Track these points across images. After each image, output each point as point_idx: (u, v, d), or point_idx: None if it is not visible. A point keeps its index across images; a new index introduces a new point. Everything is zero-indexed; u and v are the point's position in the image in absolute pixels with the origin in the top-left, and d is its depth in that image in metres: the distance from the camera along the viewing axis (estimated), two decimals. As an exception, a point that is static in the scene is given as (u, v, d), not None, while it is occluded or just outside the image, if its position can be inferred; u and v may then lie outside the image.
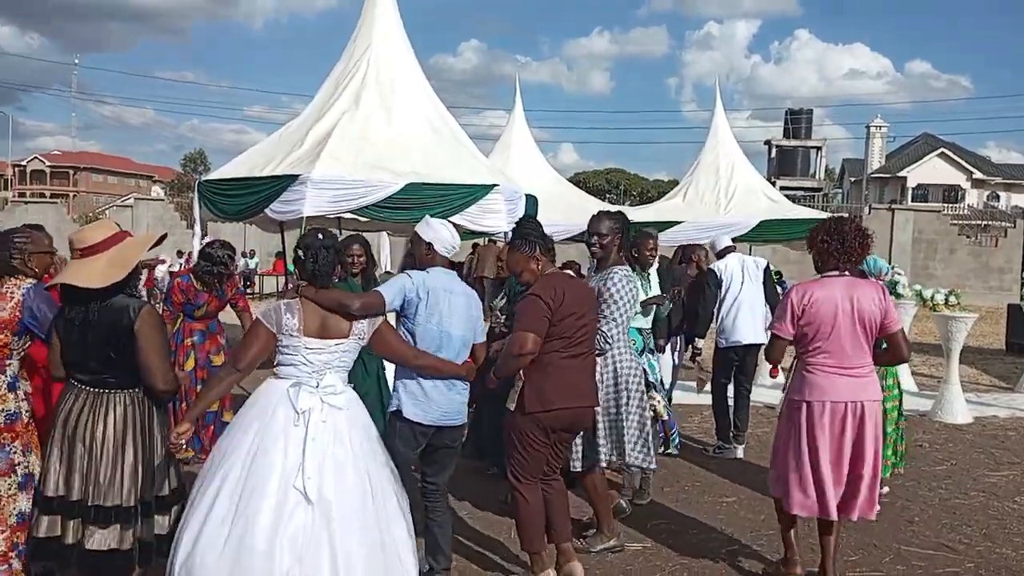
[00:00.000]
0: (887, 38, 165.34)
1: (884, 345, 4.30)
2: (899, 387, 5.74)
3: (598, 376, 4.44)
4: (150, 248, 3.59)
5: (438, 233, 3.98)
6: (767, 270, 6.98)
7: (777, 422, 4.38)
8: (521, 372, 3.98)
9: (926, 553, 4.78)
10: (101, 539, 3.30)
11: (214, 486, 3.21)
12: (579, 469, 4.57)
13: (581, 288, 4.20)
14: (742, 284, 6.80)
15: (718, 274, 6.86)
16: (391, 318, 3.90)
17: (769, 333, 4.35)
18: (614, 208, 5.17)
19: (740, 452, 6.79)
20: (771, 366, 4.88)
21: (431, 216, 4.19)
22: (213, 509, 3.17)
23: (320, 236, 3.57)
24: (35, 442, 3.66)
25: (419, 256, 3.98)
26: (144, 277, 6.53)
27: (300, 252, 3.55)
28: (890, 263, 22.77)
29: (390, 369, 4.39)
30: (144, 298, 3.64)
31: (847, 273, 4.12)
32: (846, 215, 4.44)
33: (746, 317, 6.77)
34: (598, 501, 4.64)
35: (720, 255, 7.08)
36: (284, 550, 3.11)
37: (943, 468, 6.64)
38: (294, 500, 3.18)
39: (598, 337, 4.34)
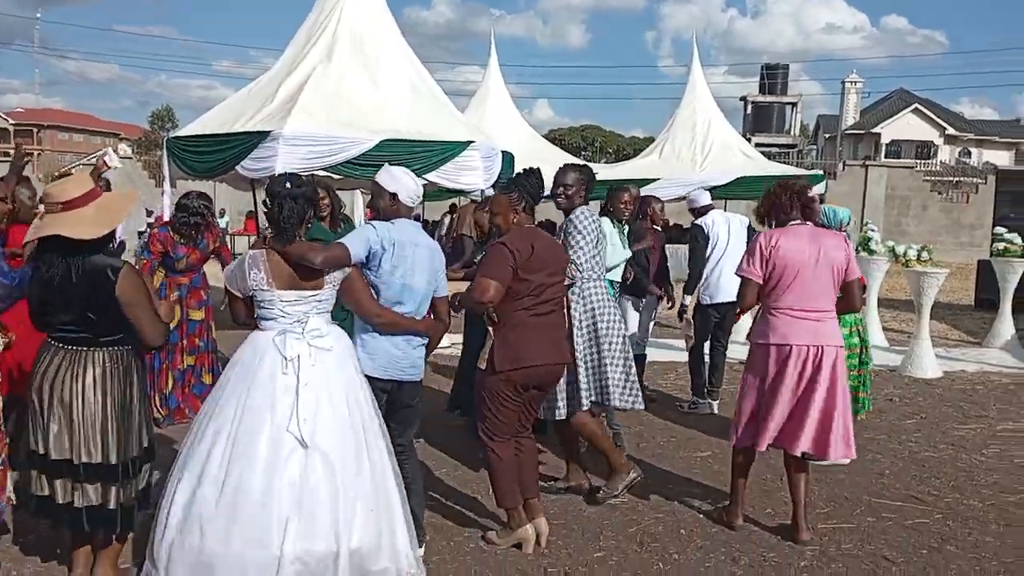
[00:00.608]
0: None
1: (839, 295, 4.36)
2: (860, 336, 5.76)
3: (576, 319, 4.54)
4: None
5: (401, 182, 3.83)
6: (750, 228, 6.98)
7: (745, 369, 4.46)
8: (491, 331, 4.02)
9: (896, 505, 4.88)
10: (88, 495, 3.28)
11: (207, 441, 3.23)
12: (563, 416, 4.61)
13: (553, 246, 4.21)
14: (728, 242, 6.79)
15: (705, 230, 6.83)
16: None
17: (739, 278, 4.39)
18: (578, 162, 5.16)
19: (715, 407, 6.86)
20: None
21: None
22: (208, 464, 3.19)
23: (288, 184, 3.42)
24: None
25: (383, 208, 3.85)
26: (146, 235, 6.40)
27: (266, 200, 3.47)
28: (863, 219, 22.99)
29: None
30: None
31: (809, 223, 4.26)
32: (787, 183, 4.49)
33: (730, 275, 6.76)
34: (600, 442, 4.72)
35: (701, 212, 7.05)
36: (282, 496, 3.14)
37: (912, 422, 6.76)
38: (289, 446, 3.20)
39: (569, 267, 4.37)
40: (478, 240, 6.84)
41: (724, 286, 6.69)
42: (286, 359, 3.27)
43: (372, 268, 3.71)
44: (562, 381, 4.51)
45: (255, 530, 3.12)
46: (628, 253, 5.81)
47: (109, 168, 5.12)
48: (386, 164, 4.04)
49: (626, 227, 5.85)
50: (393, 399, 3.86)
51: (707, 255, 6.79)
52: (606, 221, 5.52)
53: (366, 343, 3.74)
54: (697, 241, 6.83)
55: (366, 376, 3.66)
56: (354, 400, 3.40)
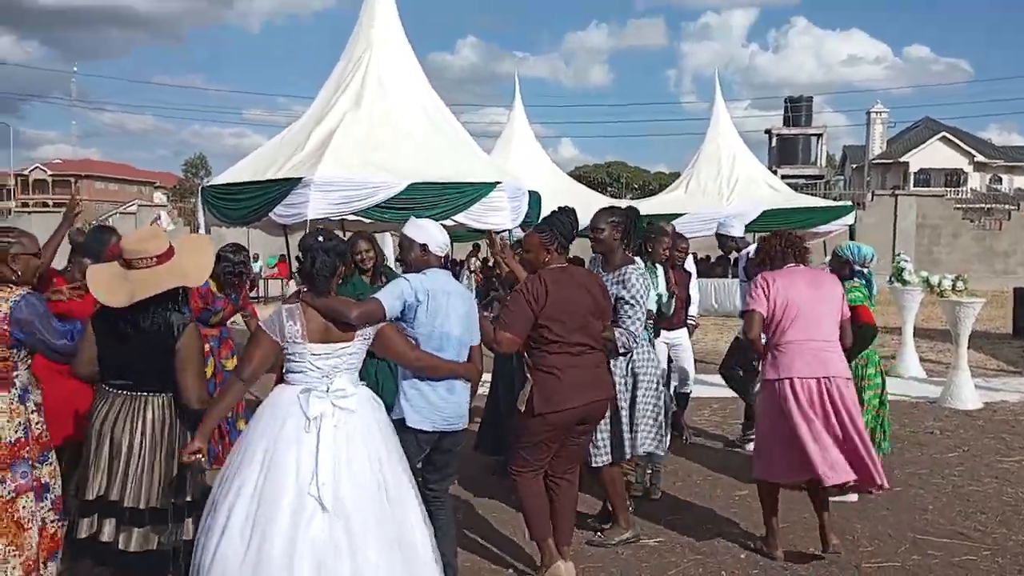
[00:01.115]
0: (884, 23, 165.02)
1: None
2: (881, 375, 5.63)
3: (617, 370, 4.51)
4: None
5: (430, 233, 3.90)
6: None
7: (757, 405, 4.60)
8: (527, 373, 4.04)
9: (941, 541, 4.76)
10: (136, 540, 3.31)
11: (229, 499, 3.19)
12: (601, 464, 4.55)
13: (586, 289, 4.12)
14: None
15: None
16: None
17: (745, 313, 4.56)
18: (623, 203, 5.17)
19: None
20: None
21: (432, 216, 4.17)
22: (230, 522, 3.14)
23: (320, 238, 3.46)
24: (51, 452, 3.66)
25: (413, 260, 3.89)
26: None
27: (299, 254, 3.52)
28: (894, 249, 22.76)
29: None
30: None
31: (802, 265, 4.55)
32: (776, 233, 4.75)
33: None
34: (614, 495, 4.67)
35: (740, 246, 6.96)
36: (303, 559, 3.09)
37: (955, 455, 6.62)
38: (311, 508, 3.15)
39: (624, 337, 4.35)
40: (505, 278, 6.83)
41: None
42: (309, 419, 3.25)
43: (408, 320, 3.73)
44: (605, 426, 4.48)
45: None
46: (665, 296, 5.72)
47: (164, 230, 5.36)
48: (412, 217, 4.10)
49: (656, 268, 5.80)
50: (435, 447, 3.87)
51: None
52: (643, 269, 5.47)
53: (409, 396, 3.76)
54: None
55: (411, 428, 3.67)
56: (376, 460, 3.33)
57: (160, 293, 3.30)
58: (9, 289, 3.48)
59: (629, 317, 4.40)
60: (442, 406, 3.79)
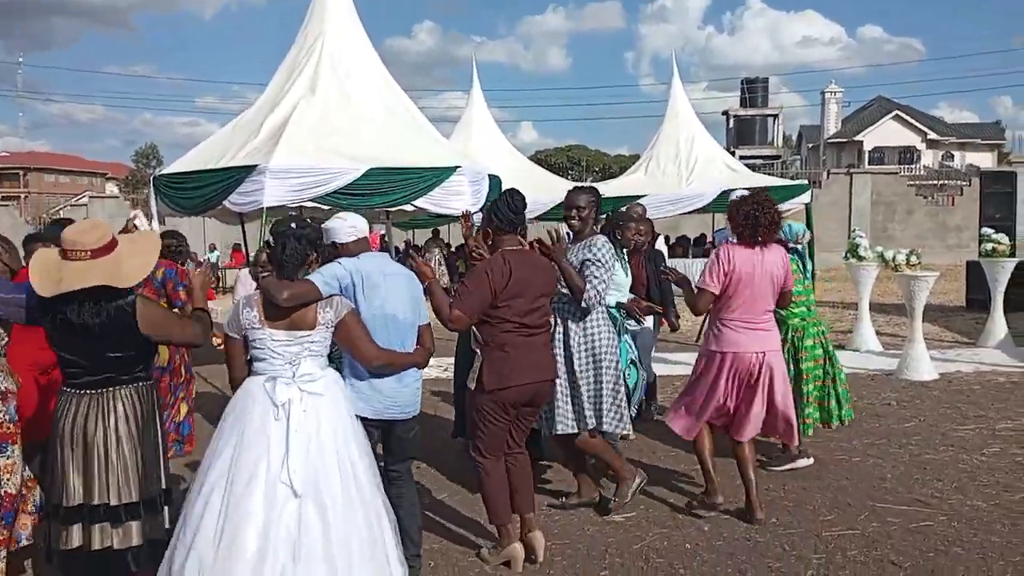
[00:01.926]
0: (838, 4, 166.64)
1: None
2: (823, 348, 5.73)
3: (576, 344, 4.60)
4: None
5: (330, 228, 3.83)
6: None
7: (694, 368, 4.87)
8: (479, 351, 4.06)
9: (899, 509, 4.87)
10: (132, 535, 3.25)
11: (202, 500, 3.17)
12: (573, 430, 4.63)
13: (540, 269, 4.21)
14: None
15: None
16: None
17: (696, 287, 4.74)
18: (586, 185, 5.23)
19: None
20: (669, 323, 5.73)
21: (392, 202, 4.09)
22: (205, 515, 3.13)
23: (293, 225, 3.47)
24: (11, 447, 3.61)
25: (343, 252, 3.83)
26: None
27: (270, 239, 3.48)
28: (850, 226, 23.13)
29: None
30: None
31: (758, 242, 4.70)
32: (754, 192, 4.89)
33: None
34: (602, 452, 4.77)
35: None
36: (278, 547, 3.08)
37: (911, 425, 6.76)
38: (283, 496, 3.14)
39: (590, 294, 4.45)
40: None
41: None
42: (277, 406, 3.22)
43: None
44: (566, 398, 4.59)
45: None
46: (629, 280, 5.76)
47: (138, 230, 5.30)
48: (336, 215, 4.02)
49: (624, 254, 5.84)
50: (386, 434, 3.85)
51: None
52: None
53: (356, 386, 3.70)
54: None
55: (358, 416, 3.61)
56: (343, 442, 3.33)
57: (105, 287, 3.15)
58: None
59: (595, 276, 4.50)
60: (388, 392, 3.74)
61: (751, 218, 4.64)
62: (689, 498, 5.00)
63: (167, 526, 3.36)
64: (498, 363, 4.02)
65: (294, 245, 3.41)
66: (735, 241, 4.72)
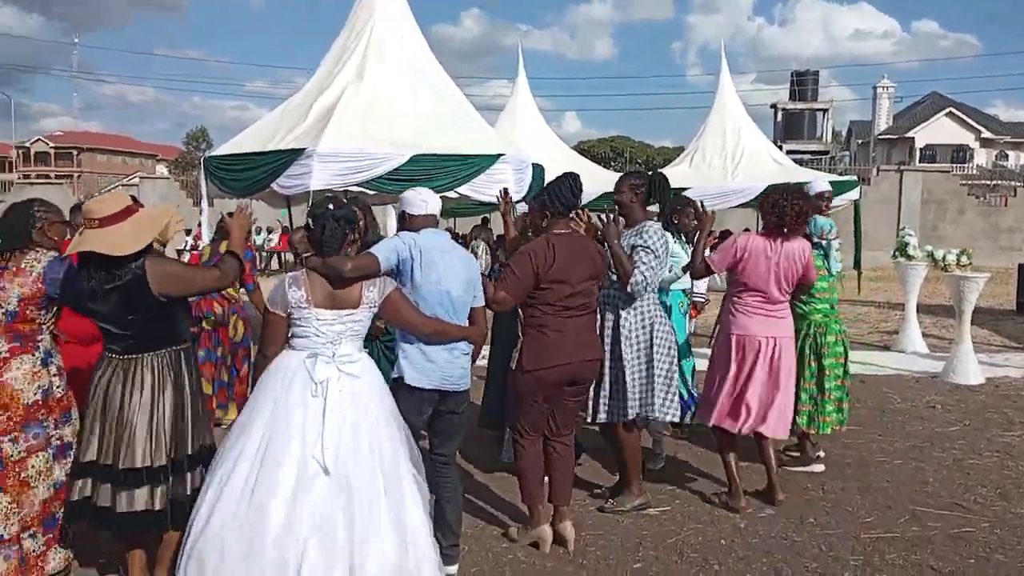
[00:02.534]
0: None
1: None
2: (844, 345, 5.62)
3: (627, 331, 4.52)
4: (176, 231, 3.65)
5: (404, 199, 3.97)
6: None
7: (711, 354, 5.03)
8: (520, 332, 4.13)
9: (941, 513, 4.79)
10: (132, 500, 3.34)
11: (231, 459, 3.24)
12: (603, 420, 4.59)
13: (586, 254, 4.20)
14: None
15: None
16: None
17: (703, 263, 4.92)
18: (635, 171, 5.20)
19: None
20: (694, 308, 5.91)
21: (435, 188, 4.15)
22: (231, 481, 3.19)
23: (331, 206, 3.51)
24: (74, 412, 3.76)
25: (404, 230, 3.95)
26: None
27: (309, 221, 3.52)
28: (899, 225, 22.66)
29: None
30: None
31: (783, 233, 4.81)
32: (791, 184, 5.03)
33: None
34: (630, 458, 4.71)
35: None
36: (303, 521, 3.13)
37: (956, 429, 6.63)
38: (313, 470, 3.20)
39: (636, 279, 4.39)
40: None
41: None
42: (316, 383, 3.29)
43: (404, 276, 3.75)
44: (607, 386, 4.54)
45: (274, 553, 3.10)
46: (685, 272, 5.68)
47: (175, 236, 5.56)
48: (410, 189, 4.11)
49: (683, 239, 5.85)
50: (437, 409, 3.87)
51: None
52: (669, 236, 5.45)
53: (408, 354, 3.76)
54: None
55: (410, 386, 3.69)
56: (380, 427, 3.37)
57: (118, 256, 3.28)
58: (43, 252, 3.68)
59: (644, 262, 4.45)
60: (443, 364, 3.79)
61: (778, 207, 4.78)
62: (724, 495, 4.98)
63: (189, 491, 3.43)
64: (535, 344, 4.08)
65: (333, 226, 3.46)
66: (762, 230, 4.90)
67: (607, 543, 4.34)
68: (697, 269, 4.97)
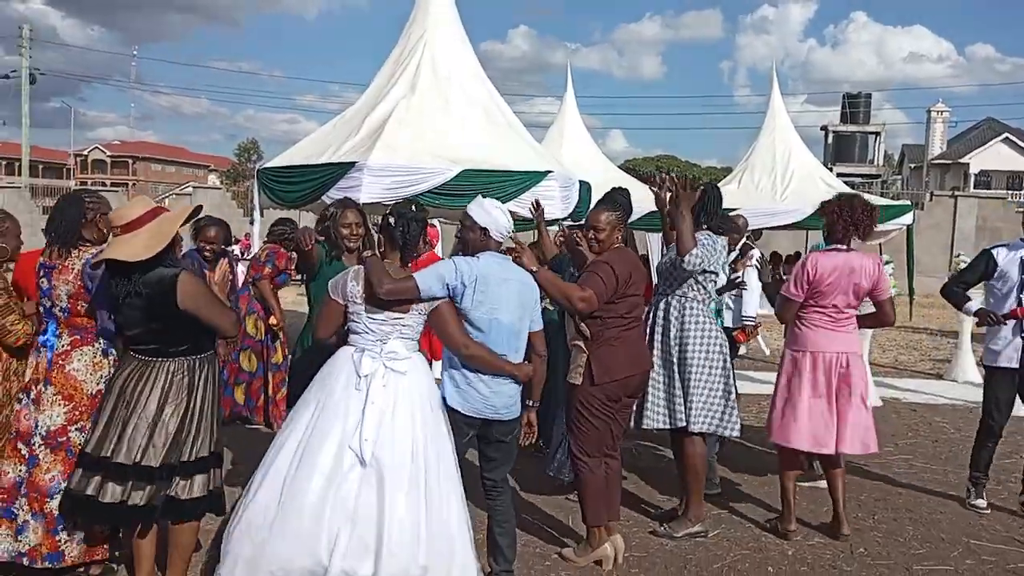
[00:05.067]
0: (948, 20, 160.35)
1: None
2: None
3: (677, 343, 4.53)
4: (187, 222, 3.65)
5: (493, 218, 3.73)
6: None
7: (777, 373, 4.88)
8: (583, 346, 4.13)
9: (996, 547, 4.64)
10: (137, 497, 3.39)
11: (278, 444, 3.41)
12: (650, 427, 4.57)
13: (637, 264, 4.32)
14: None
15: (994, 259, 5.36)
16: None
17: (781, 296, 4.82)
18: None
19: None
20: (742, 330, 5.68)
21: None
22: (274, 466, 3.34)
23: (413, 207, 3.66)
24: None
25: (472, 242, 3.75)
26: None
27: (391, 219, 3.58)
28: (952, 251, 22.15)
29: None
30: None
31: (850, 246, 4.71)
32: (856, 193, 4.87)
33: None
34: (692, 480, 4.62)
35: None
36: (336, 510, 3.22)
37: (1011, 461, 6.43)
38: (350, 461, 3.29)
39: (694, 255, 4.32)
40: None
41: None
42: (360, 376, 3.38)
43: (457, 303, 3.62)
44: (662, 392, 4.55)
45: (307, 538, 3.20)
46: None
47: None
48: (479, 196, 3.94)
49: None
50: (482, 435, 3.79)
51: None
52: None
53: (454, 377, 3.68)
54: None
55: (450, 408, 3.65)
56: (421, 426, 3.39)
57: (141, 262, 3.35)
58: (86, 248, 3.74)
59: (701, 244, 4.44)
60: (484, 391, 3.65)
61: (844, 212, 4.65)
62: (775, 520, 4.88)
63: (185, 496, 3.47)
64: (607, 357, 4.10)
65: (415, 227, 3.59)
66: (826, 247, 4.77)
67: (651, 565, 4.29)
68: (785, 314, 4.75)
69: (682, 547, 4.52)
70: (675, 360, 4.53)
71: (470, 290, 3.59)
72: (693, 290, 4.57)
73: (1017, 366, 4.99)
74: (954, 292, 5.37)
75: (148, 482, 3.40)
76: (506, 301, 3.66)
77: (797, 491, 4.82)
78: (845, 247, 4.69)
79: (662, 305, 4.61)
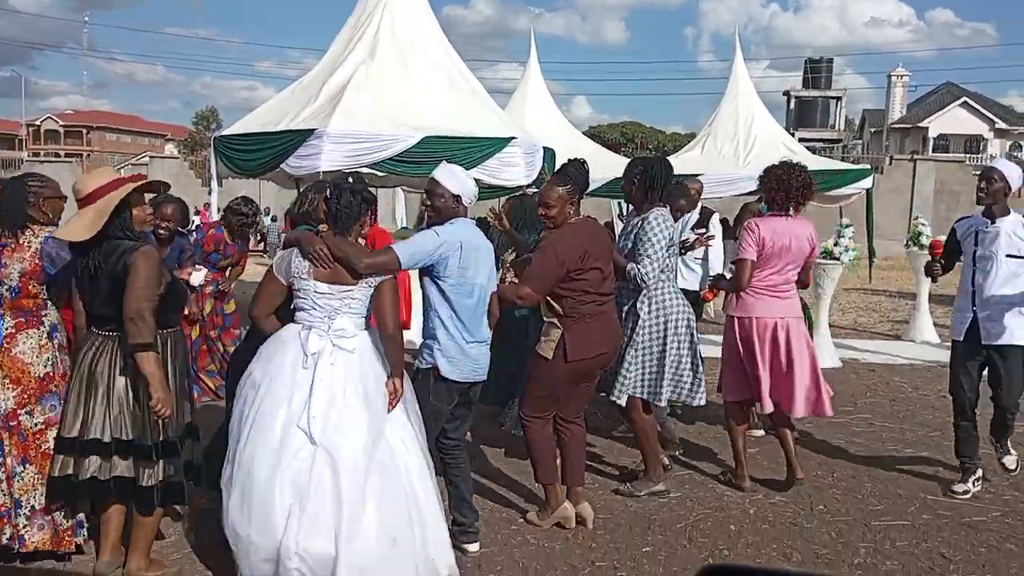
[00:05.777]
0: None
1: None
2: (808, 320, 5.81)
3: (644, 319, 4.60)
4: (142, 191, 3.52)
5: (464, 185, 3.78)
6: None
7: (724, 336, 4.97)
8: (557, 321, 4.08)
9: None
10: (118, 468, 3.38)
11: (232, 422, 3.42)
12: (617, 400, 4.62)
13: (603, 238, 4.24)
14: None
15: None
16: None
17: (733, 264, 4.92)
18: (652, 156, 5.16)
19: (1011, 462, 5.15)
20: (708, 289, 5.63)
21: None
22: (231, 444, 3.38)
23: (351, 179, 3.56)
24: None
25: (443, 209, 3.77)
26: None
27: (327, 192, 3.52)
28: (912, 214, 22.50)
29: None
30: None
31: (790, 214, 4.81)
32: (795, 162, 4.92)
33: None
34: (647, 443, 4.72)
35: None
36: (284, 487, 3.20)
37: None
38: (299, 440, 3.25)
39: (635, 274, 4.46)
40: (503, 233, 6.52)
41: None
42: (307, 355, 3.32)
43: (439, 270, 3.67)
44: (630, 368, 4.61)
45: (261, 516, 3.20)
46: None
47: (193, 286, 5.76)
48: (444, 162, 3.99)
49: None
50: (460, 397, 3.90)
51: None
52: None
53: (446, 349, 3.75)
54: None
55: (444, 378, 3.70)
56: (372, 402, 3.36)
57: (101, 230, 3.30)
58: (40, 228, 3.69)
59: (639, 255, 4.51)
60: (476, 357, 3.83)
61: (782, 182, 4.75)
62: (729, 473, 5.01)
63: (182, 464, 3.49)
64: (581, 333, 4.05)
65: (349, 197, 3.43)
66: (767, 213, 4.90)
67: (616, 527, 4.33)
68: (743, 276, 4.71)
69: (646, 508, 4.58)
70: (647, 335, 4.62)
71: (455, 258, 3.66)
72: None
73: (962, 338, 5.07)
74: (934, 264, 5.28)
75: (147, 459, 3.38)
76: (483, 265, 3.80)
77: (748, 446, 5.03)
78: (784, 214, 4.80)
79: (618, 286, 4.55)
